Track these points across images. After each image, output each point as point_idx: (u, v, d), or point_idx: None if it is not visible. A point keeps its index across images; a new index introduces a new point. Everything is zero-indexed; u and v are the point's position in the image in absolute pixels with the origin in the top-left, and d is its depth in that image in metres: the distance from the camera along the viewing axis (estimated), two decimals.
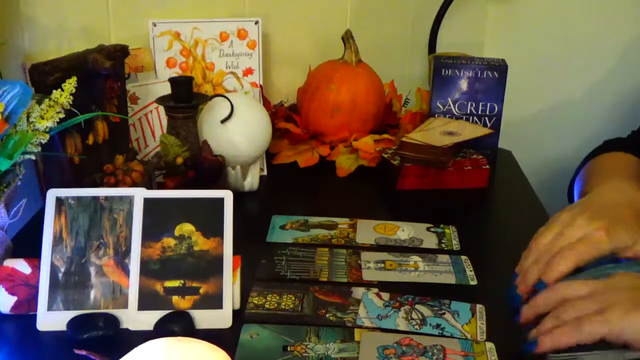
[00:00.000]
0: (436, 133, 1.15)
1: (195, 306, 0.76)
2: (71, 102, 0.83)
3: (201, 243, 0.78)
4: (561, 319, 0.67)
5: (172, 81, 1.02)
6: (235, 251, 0.78)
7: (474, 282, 0.86)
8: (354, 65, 1.23)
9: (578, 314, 0.66)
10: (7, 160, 0.76)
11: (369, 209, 1.05)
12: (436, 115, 1.22)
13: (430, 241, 0.95)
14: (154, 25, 1.17)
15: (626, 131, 1.13)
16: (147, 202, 0.79)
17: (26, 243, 0.84)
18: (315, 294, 0.82)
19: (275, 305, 0.80)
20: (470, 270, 0.88)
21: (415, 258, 0.90)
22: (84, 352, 0.69)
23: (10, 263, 0.78)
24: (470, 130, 1.17)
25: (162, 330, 0.74)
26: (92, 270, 0.77)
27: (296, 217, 1.01)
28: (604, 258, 0.72)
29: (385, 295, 0.82)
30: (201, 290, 0.76)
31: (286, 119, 1.24)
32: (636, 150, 1.02)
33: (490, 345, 0.74)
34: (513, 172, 1.22)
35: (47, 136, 0.80)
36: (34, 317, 0.75)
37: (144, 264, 0.77)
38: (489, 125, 1.21)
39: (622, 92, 1.39)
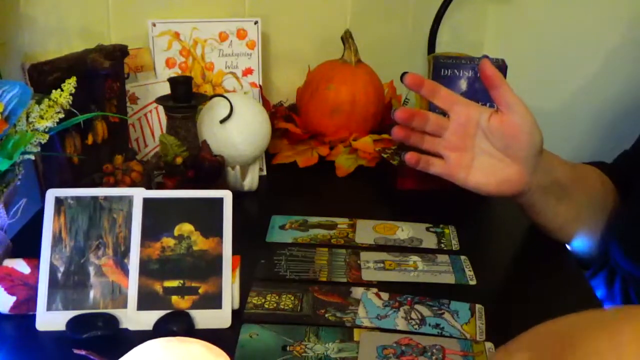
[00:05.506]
0: None
1: (195, 306, 0.76)
2: (70, 102, 0.83)
3: (200, 243, 0.78)
4: None
5: (172, 81, 1.02)
6: (235, 251, 0.78)
7: (473, 282, 0.86)
8: (354, 65, 1.23)
9: None
10: (7, 160, 0.76)
11: (368, 209, 1.05)
12: None
13: (429, 241, 0.95)
14: (154, 25, 1.17)
15: (625, 131, 1.12)
16: (147, 202, 0.79)
17: (25, 243, 0.84)
18: (314, 294, 0.82)
19: (275, 305, 0.80)
20: (470, 270, 0.88)
21: (414, 258, 0.90)
22: (83, 352, 0.69)
23: (9, 263, 0.78)
24: None
25: (161, 330, 0.74)
26: (92, 270, 0.77)
27: (295, 217, 1.01)
28: None
29: (385, 295, 0.82)
30: (200, 290, 0.76)
31: (286, 119, 1.25)
32: (620, 177, 0.97)
33: (489, 345, 0.74)
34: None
35: (47, 136, 0.80)
36: (33, 317, 0.75)
37: (144, 264, 0.77)
38: None
39: (623, 92, 1.39)
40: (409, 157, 0.88)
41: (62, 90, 0.82)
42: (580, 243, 0.95)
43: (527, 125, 0.83)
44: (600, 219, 0.94)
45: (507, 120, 0.83)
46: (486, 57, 0.83)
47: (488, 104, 1.19)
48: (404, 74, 0.86)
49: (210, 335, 0.67)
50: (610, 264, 0.98)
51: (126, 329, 0.75)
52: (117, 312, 0.75)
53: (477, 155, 0.86)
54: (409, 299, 0.81)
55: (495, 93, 0.83)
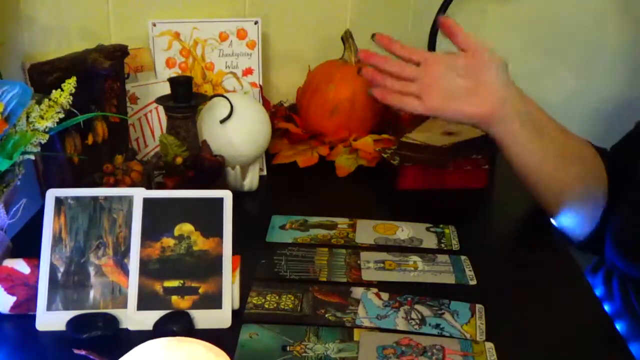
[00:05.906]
0: (436, 133, 1.15)
1: (195, 306, 0.76)
2: (70, 102, 0.83)
3: (200, 243, 0.78)
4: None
5: (172, 81, 1.02)
6: (235, 251, 0.78)
7: (473, 282, 0.86)
8: (354, 65, 1.23)
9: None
10: (7, 160, 0.76)
11: (368, 209, 1.05)
12: None
13: (429, 241, 0.95)
14: (154, 25, 1.17)
15: (623, 131, 1.12)
16: (147, 202, 0.79)
17: (25, 243, 0.84)
18: (314, 294, 0.82)
19: (275, 305, 0.80)
20: (470, 270, 0.88)
21: (414, 258, 0.90)
22: (83, 352, 0.69)
23: (9, 263, 0.78)
24: (470, 130, 1.16)
25: (161, 330, 0.74)
26: (92, 270, 0.77)
27: (296, 217, 1.01)
28: None
29: (385, 295, 0.82)
30: (200, 290, 0.76)
31: (286, 119, 1.24)
32: (611, 162, 0.98)
33: (489, 345, 0.74)
34: (513, 172, 1.21)
35: (47, 136, 0.80)
36: (33, 317, 0.75)
37: (144, 264, 0.77)
38: None
39: (622, 91, 1.39)
40: (365, 71, 1.02)
41: (62, 90, 0.82)
42: (566, 215, 0.96)
43: (488, 54, 0.96)
44: (585, 176, 0.96)
45: (472, 55, 0.95)
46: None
47: None
48: (373, 34, 1.00)
49: (210, 335, 0.67)
50: (607, 265, 0.98)
51: (126, 329, 0.75)
52: (117, 312, 0.75)
53: (452, 92, 0.95)
54: (409, 299, 0.81)
55: (456, 39, 0.96)
